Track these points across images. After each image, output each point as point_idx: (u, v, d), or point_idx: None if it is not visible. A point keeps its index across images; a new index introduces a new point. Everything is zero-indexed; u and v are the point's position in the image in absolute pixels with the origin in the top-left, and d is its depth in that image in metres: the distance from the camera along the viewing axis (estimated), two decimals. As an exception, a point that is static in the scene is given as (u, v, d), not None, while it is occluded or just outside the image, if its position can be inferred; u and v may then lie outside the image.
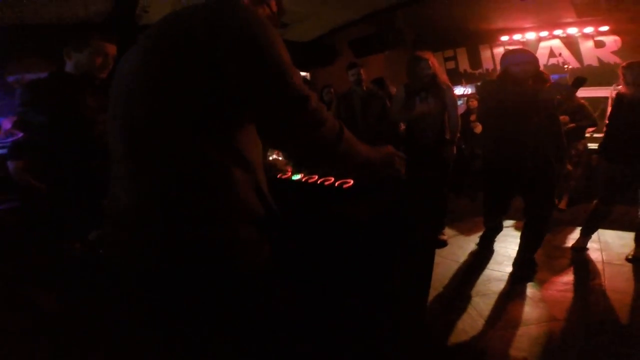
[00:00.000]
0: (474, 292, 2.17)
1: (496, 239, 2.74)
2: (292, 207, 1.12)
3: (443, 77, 2.75)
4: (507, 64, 2.11)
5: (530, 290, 2.15)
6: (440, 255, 2.64)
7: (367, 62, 3.89)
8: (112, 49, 1.62)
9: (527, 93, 2.02)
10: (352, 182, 1.16)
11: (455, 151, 2.84)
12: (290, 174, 1.36)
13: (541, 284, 2.21)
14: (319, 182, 1.22)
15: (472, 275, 2.38)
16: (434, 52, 3.34)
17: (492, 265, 2.51)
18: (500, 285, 2.22)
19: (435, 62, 2.70)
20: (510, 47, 5.59)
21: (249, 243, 0.73)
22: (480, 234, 2.77)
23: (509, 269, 2.38)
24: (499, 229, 2.73)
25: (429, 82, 2.66)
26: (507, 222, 3.02)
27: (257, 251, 0.75)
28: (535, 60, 2.08)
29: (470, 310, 1.98)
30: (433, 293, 2.11)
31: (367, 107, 3.11)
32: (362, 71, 3.15)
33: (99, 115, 1.54)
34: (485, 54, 5.98)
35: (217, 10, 0.68)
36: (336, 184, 1.17)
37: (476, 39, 5.87)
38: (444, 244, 2.86)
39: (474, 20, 5.35)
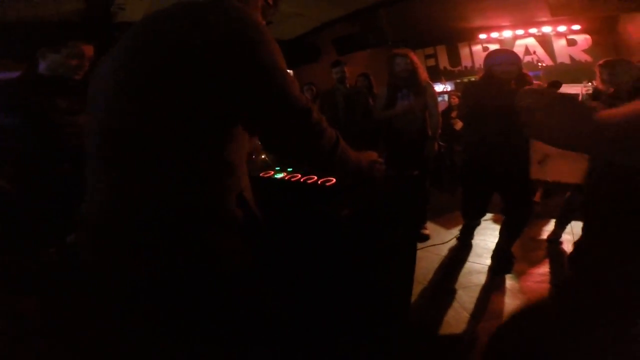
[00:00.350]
0: (456, 284, 2.23)
1: (475, 232, 2.81)
2: (274, 205, 1.12)
3: (423, 74, 2.79)
4: (490, 65, 2.14)
5: (510, 282, 2.22)
6: (423, 249, 2.69)
7: (350, 60, 3.92)
8: (89, 50, 1.58)
9: (508, 95, 2.05)
10: (334, 180, 1.17)
11: (436, 147, 2.89)
12: (272, 172, 1.35)
13: (519, 275, 2.28)
14: (301, 180, 1.22)
15: (453, 268, 2.44)
16: (414, 49, 3.39)
17: (472, 257, 2.58)
18: (481, 278, 2.29)
19: (415, 60, 2.74)
20: (489, 45, 5.76)
21: (230, 248, 0.72)
22: (460, 227, 2.84)
23: (489, 261, 2.46)
24: (477, 224, 2.81)
25: (409, 78, 2.69)
26: (486, 216, 3.11)
27: (239, 256, 0.75)
28: (518, 61, 2.12)
29: (453, 302, 2.04)
30: (417, 286, 2.15)
31: (350, 105, 3.13)
32: (346, 69, 3.17)
33: (70, 118, 1.50)
34: (464, 51, 6.11)
35: (210, 13, 0.65)
36: (319, 182, 1.18)
37: (455, 37, 5.99)
38: (426, 237, 2.91)
39: (453, 19, 5.45)
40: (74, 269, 1.42)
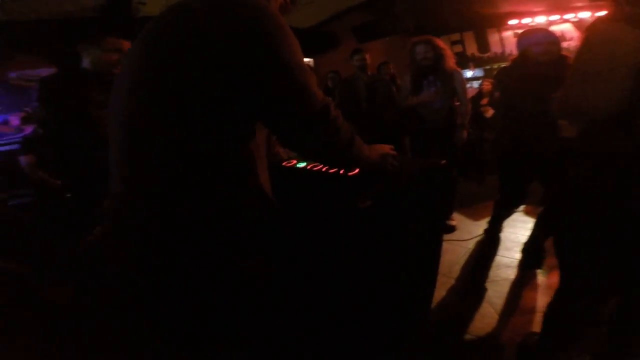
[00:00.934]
0: (483, 279, 2.15)
1: (505, 224, 2.68)
2: (297, 195, 1.10)
3: (450, 61, 2.67)
4: (527, 45, 1.95)
5: (540, 277, 2.12)
6: (449, 241, 2.61)
7: (368, 48, 3.83)
8: (127, 45, 1.64)
9: (550, 76, 1.82)
10: (357, 170, 1.13)
11: (465, 135, 2.78)
12: (295, 161, 1.34)
13: (550, 270, 2.16)
14: (323, 169, 1.20)
15: (480, 261, 2.36)
16: (438, 36, 3.24)
17: (501, 251, 2.48)
18: (510, 272, 2.20)
19: (441, 45, 2.63)
20: (520, 31, 5.45)
21: (249, 245, 0.72)
22: (488, 219, 2.72)
23: (518, 255, 2.34)
24: (508, 215, 2.67)
25: (432, 66, 2.60)
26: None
27: (258, 251, 0.74)
28: (558, 40, 1.93)
29: (480, 297, 1.97)
30: (442, 280, 2.09)
31: (372, 93, 3.06)
32: (367, 57, 3.09)
33: (106, 110, 1.56)
34: (494, 37, 5.84)
35: (231, 5, 0.65)
36: (341, 172, 1.15)
37: (484, 23, 5.73)
38: (452, 229, 2.82)
39: (481, 4, 5.20)
40: (96, 262, 1.47)
